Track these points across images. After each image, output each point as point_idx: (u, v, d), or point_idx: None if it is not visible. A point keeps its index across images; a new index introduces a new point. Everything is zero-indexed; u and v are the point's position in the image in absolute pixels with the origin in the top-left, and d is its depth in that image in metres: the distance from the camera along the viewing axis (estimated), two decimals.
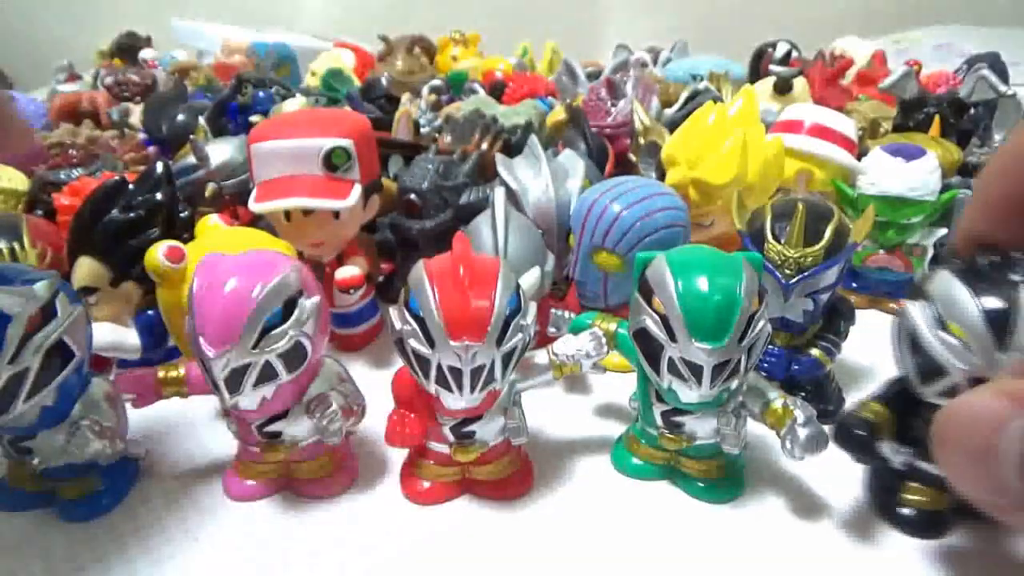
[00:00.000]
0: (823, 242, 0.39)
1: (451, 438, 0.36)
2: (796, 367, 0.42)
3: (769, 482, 0.39)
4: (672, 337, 0.32)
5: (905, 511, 0.35)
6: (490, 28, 1.23)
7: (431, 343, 0.31)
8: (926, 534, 0.35)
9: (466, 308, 0.31)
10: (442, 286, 0.31)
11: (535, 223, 0.50)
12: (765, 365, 0.42)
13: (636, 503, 0.38)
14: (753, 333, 0.32)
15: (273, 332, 0.32)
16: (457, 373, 0.32)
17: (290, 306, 0.32)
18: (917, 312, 0.31)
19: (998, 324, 0.28)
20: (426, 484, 0.37)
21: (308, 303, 0.33)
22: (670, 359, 0.33)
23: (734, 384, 0.33)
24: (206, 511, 0.38)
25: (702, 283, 0.31)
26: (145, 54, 1.17)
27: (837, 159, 0.60)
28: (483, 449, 0.36)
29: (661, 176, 0.57)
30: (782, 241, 0.39)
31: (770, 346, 0.42)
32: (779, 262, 0.39)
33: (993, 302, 0.28)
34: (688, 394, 0.33)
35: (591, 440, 0.42)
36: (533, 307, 0.34)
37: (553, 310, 0.41)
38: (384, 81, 0.92)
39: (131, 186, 0.47)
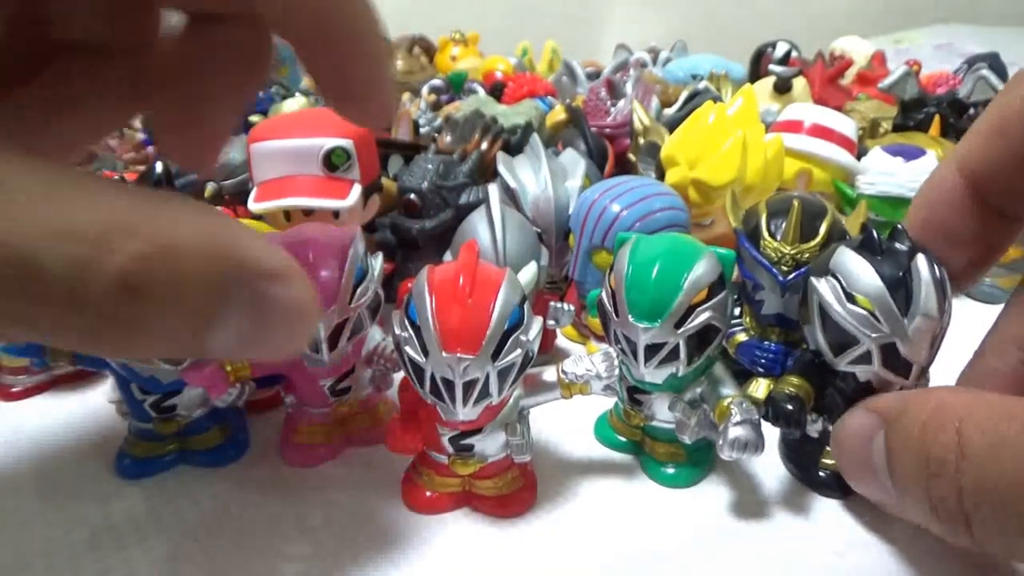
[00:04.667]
0: (819, 238, 0.39)
1: (450, 449, 0.35)
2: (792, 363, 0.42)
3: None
4: (616, 312, 0.34)
5: (822, 474, 0.37)
6: (490, 28, 1.24)
7: (425, 352, 0.31)
8: (842, 493, 0.37)
9: (461, 319, 0.30)
10: (441, 295, 0.31)
11: (533, 222, 0.50)
12: (763, 361, 0.42)
13: (642, 527, 0.36)
14: (693, 323, 0.33)
15: (359, 288, 0.36)
16: (449, 385, 0.31)
17: (365, 263, 0.37)
18: (825, 288, 0.32)
19: (900, 291, 0.30)
20: (427, 493, 0.37)
21: (372, 257, 0.39)
22: (614, 332, 0.35)
23: (678, 371, 0.34)
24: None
25: (650, 266, 0.34)
26: None
27: (837, 159, 0.61)
28: (482, 463, 0.35)
29: (661, 176, 0.57)
30: (778, 238, 0.40)
31: (767, 342, 0.43)
32: (775, 259, 0.39)
33: (891, 271, 0.30)
34: (634, 370, 0.35)
35: (595, 456, 0.41)
36: (537, 322, 0.33)
37: (552, 303, 0.41)
38: None
39: (131, 186, 0.47)
